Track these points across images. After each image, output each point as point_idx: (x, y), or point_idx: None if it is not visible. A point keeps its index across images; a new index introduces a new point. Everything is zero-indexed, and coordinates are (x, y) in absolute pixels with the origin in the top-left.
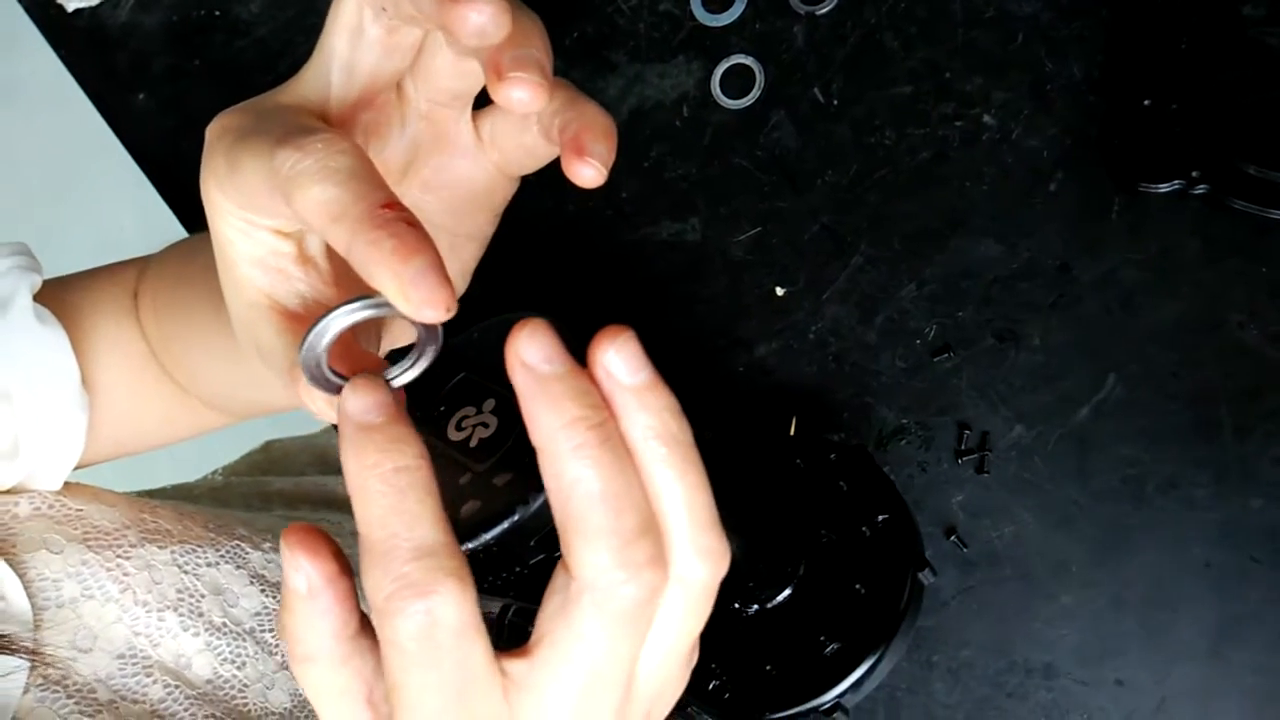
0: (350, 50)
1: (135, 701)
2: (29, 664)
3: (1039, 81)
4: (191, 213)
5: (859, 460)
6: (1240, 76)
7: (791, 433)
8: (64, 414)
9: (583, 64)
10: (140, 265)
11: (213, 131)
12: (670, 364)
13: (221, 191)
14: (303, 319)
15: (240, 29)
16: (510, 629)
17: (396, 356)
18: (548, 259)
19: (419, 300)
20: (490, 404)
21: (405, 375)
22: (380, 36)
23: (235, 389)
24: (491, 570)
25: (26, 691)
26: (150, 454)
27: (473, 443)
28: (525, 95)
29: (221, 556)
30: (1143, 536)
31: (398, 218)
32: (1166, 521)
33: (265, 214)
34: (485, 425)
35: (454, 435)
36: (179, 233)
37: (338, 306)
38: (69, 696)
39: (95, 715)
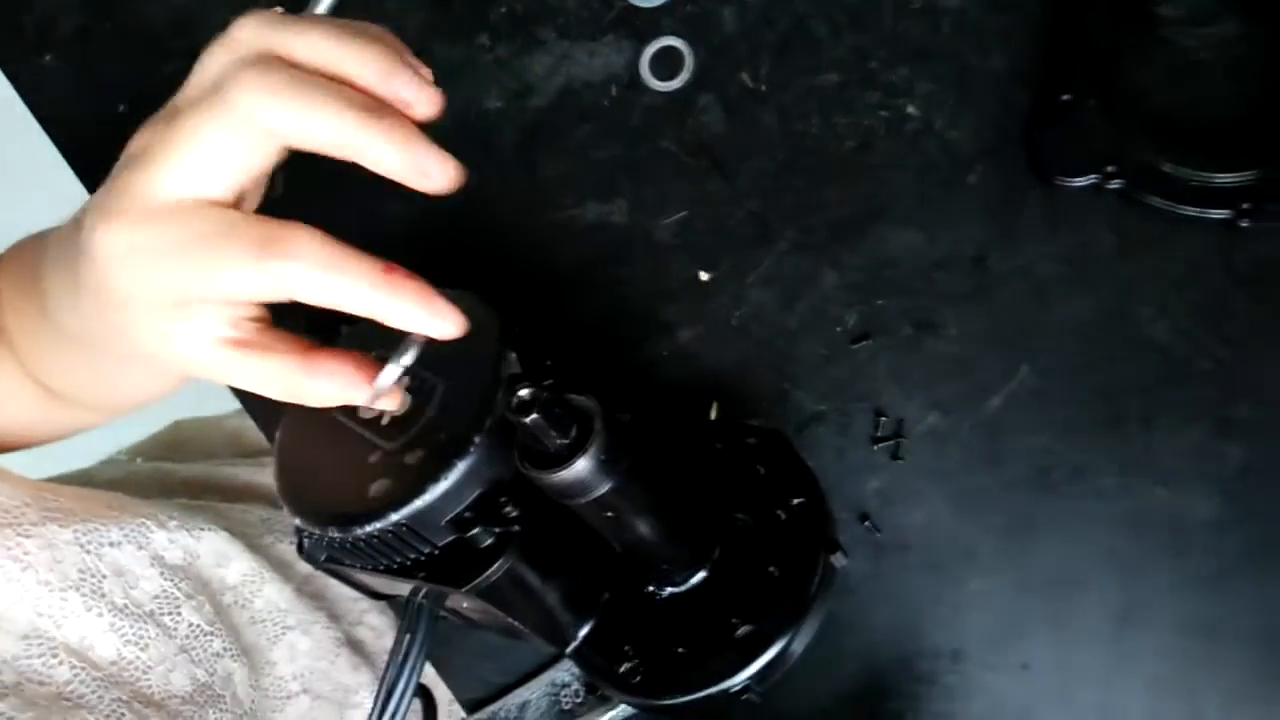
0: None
1: (41, 684)
2: None
3: (963, 74)
4: (97, 179)
5: (776, 445)
6: (1156, 76)
7: (712, 417)
8: None
9: (510, 40)
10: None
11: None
12: (592, 347)
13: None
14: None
15: None
16: (420, 611)
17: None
18: (468, 238)
19: (449, 330)
20: (404, 381)
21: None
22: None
23: (96, 384)
24: (401, 551)
25: None
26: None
27: (384, 420)
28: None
29: (125, 536)
30: (1050, 524)
31: (400, 277)
32: (1073, 510)
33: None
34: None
35: (365, 413)
36: (83, 194)
37: (395, 357)
38: None
39: (1, 698)
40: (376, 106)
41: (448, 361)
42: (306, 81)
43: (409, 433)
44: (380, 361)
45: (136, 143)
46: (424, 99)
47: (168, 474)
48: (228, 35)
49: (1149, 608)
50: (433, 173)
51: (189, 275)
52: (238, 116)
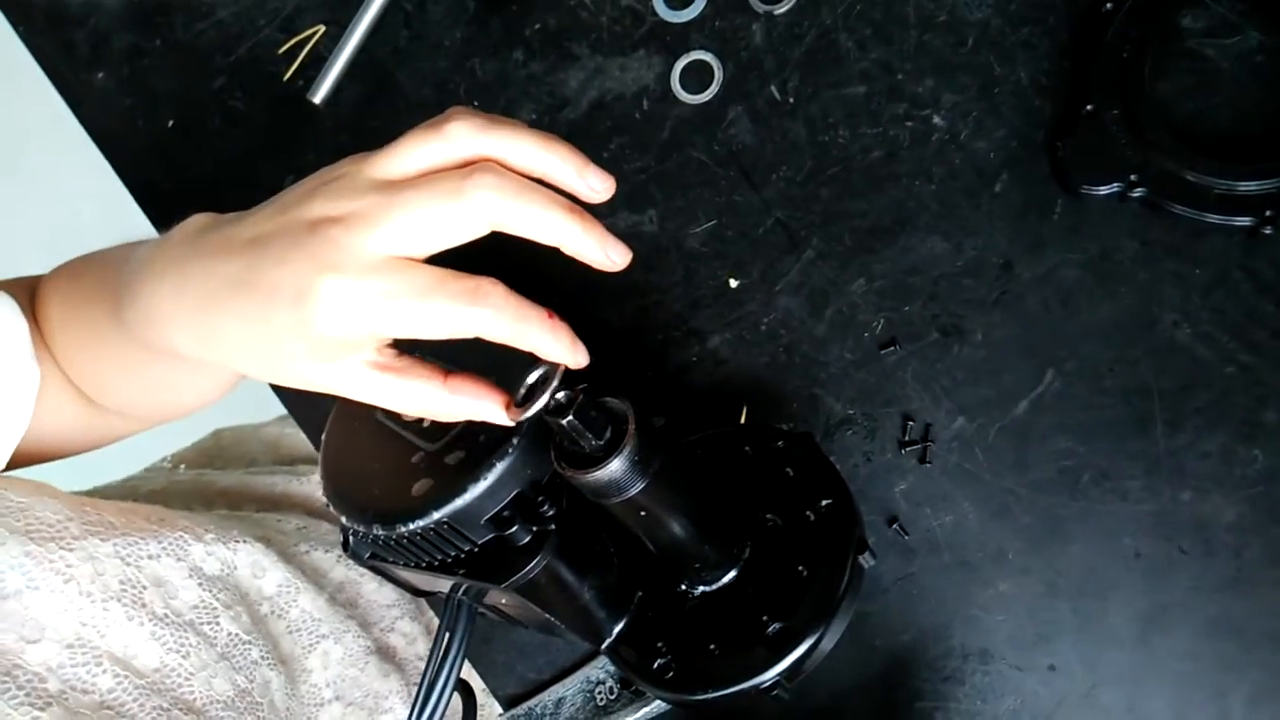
0: None
1: (85, 692)
2: None
3: (988, 85)
4: (146, 192)
5: (805, 447)
6: (1179, 85)
7: (742, 421)
8: (12, 380)
9: (544, 55)
10: (30, 283)
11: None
12: (625, 352)
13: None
14: None
15: (201, 11)
16: (461, 607)
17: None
18: (507, 246)
19: (583, 361)
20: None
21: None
22: None
23: (147, 394)
24: (442, 548)
25: None
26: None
27: (426, 422)
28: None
29: (163, 549)
30: (1076, 526)
31: (556, 321)
32: (1099, 512)
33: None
34: None
35: (407, 415)
36: (135, 214)
37: (542, 388)
38: (19, 687)
39: (45, 708)
40: (577, 208)
41: (487, 366)
42: (531, 188)
43: (449, 434)
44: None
45: (332, 205)
46: (607, 187)
47: (208, 483)
48: (443, 126)
49: (1176, 610)
50: (616, 258)
51: (399, 320)
52: (472, 206)
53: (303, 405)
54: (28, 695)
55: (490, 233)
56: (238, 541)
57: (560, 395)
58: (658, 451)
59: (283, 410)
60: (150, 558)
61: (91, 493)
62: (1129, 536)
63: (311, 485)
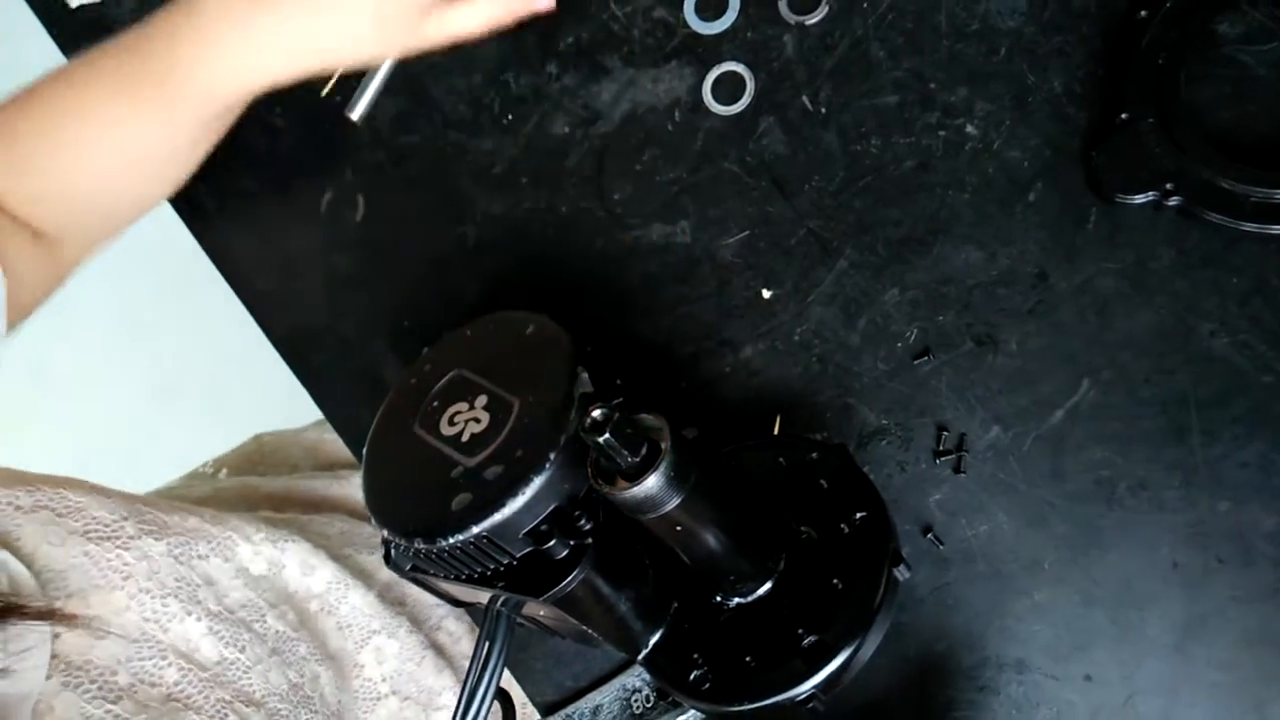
0: None
1: (152, 685)
2: (50, 648)
3: (1021, 94)
4: (189, 207)
5: (839, 459)
6: (1215, 93)
7: (775, 432)
8: None
9: (577, 68)
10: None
11: None
12: (659, 363)
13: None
14: None
15: None
16: (500, 618)
17: None
18: (541, 259)
19: None
20: (482, 400)
21: None
22: None
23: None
24: (482, 561)
25: (50, 676)
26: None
27: (464, 437)
28: None
29: (212, 549)
30: (1113, 536)
31: None
32: (1136, 522)
33: None
34: (477, 420)
35: (446, 430)
36: (179, 225)
37: None
38: (91, 681)
39: (117, 700)
40: None
41: (523, 380)
42: None
43: (488, 449)
44: None
45: None
46: None
47: (252, 489)
48: None
49: (1214, 619)
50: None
51: None
52: None
53: (340, 411)
54: (100, 689)
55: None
56: (286, 540)
57: (596, 413)
58: (693, 466)
59: (319, 415)
60: (200, 557)
61: (141, 495)
62: (1166, 546)
63: (352, 487)
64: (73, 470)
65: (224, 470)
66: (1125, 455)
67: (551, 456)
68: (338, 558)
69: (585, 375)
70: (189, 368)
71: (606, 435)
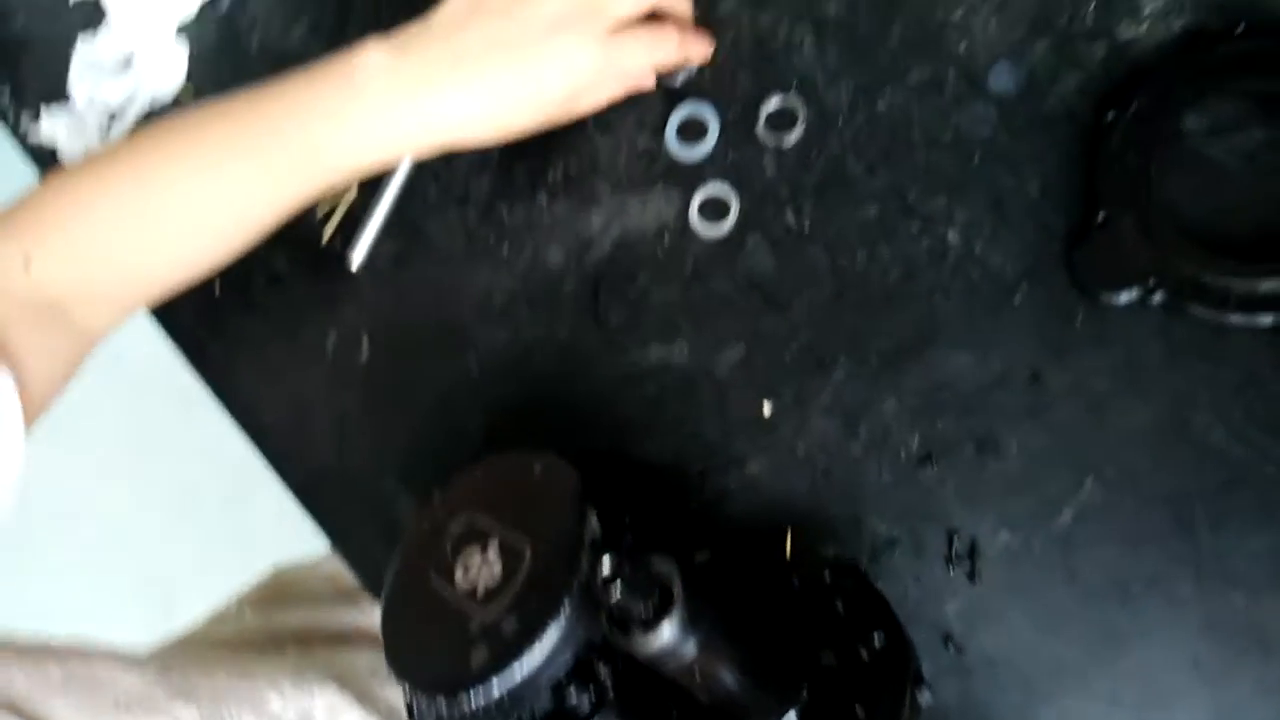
0: None
1: None
2: None
3: (998, 199)
4: (197, 353)
5: (852, 578)
6: (1188, 187)
7: (787, 548)
8: None
9: (567, 197)
10: (22, 237)
11: None
12: (665, 485)
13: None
14: None
15: None
16: None
17: None
18: (544, 386)
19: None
20: (495, 546)
21: None
22: None
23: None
24: (507, 718)
25: None
26: (172, 586)
27: (479, 588)
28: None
29: (243, 707)
30: (1132, 635)
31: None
32: (1153, 620)
33: None
34: (491, 569)
35: (461, 580)
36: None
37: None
38: None
39: None
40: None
41: (534, 523)
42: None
43: (504, 600)
44: None
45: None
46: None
47: (277, 626)
48: None
49: (1242, 714)
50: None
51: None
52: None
53: (356, 550)
54: None
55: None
56: (314, 686)
57: (605, 566)
58: (707, 609)
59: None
60: (231, 717)
61: (168, 648)
62: (1186, 643)
63: (376, 617)
64: (91, 602)
65: (247, 609)
66: (1135, 552)
67: (565, 604)
68: (365, 697)
69: (595, 517)
70: (201, 492)
71: (617, 586)
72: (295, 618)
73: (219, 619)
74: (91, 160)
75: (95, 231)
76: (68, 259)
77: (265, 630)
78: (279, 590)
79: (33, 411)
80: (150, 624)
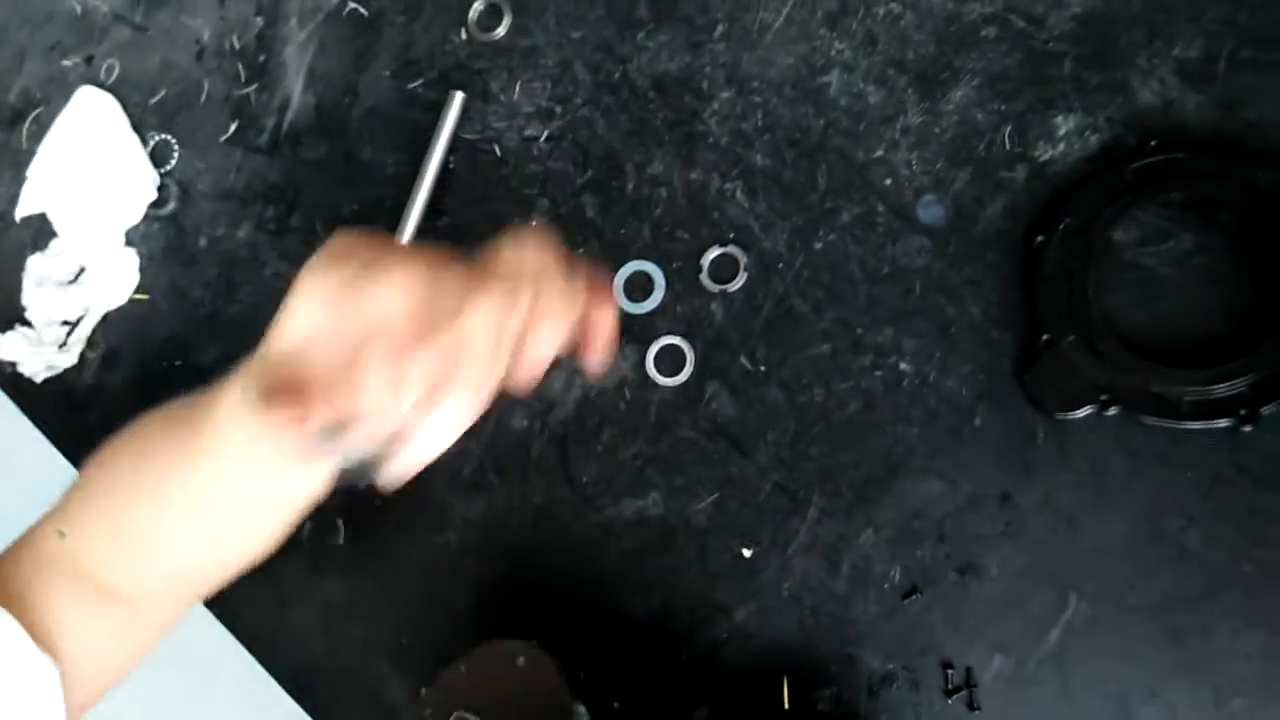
0: None
1: None
2: None
3: (944, 326)
4: None
5: None
6: (1126, 299)
7: (784, 698)
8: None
9: None
10: (54, 519)
11: None
12: (655, 640)
13: None
14: None
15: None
16: None
17: None
18: (521, 553)
19: None
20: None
21: None
22: None
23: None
24: None
25: None
26: None
27: None
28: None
29: None
30: None
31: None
32: None
33: None
34: None
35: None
36: None
37: None
38: None
39: None
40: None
41: (522, 717)
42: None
43: None
44: None
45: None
46: None
47: None
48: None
49: None
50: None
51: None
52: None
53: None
54: None
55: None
56: None
57: None
58: None
59: None
60: None
61: None
62: None
63: None
64: None
65: None
66: (1128, 664)
67: None
68: None
69: (582, 710)
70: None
71: None
72: None
73: None
74: (112, 446)
75: (119, 511)
76: (98, 534)
77: None
78: None
79: (83, 697)
80: None
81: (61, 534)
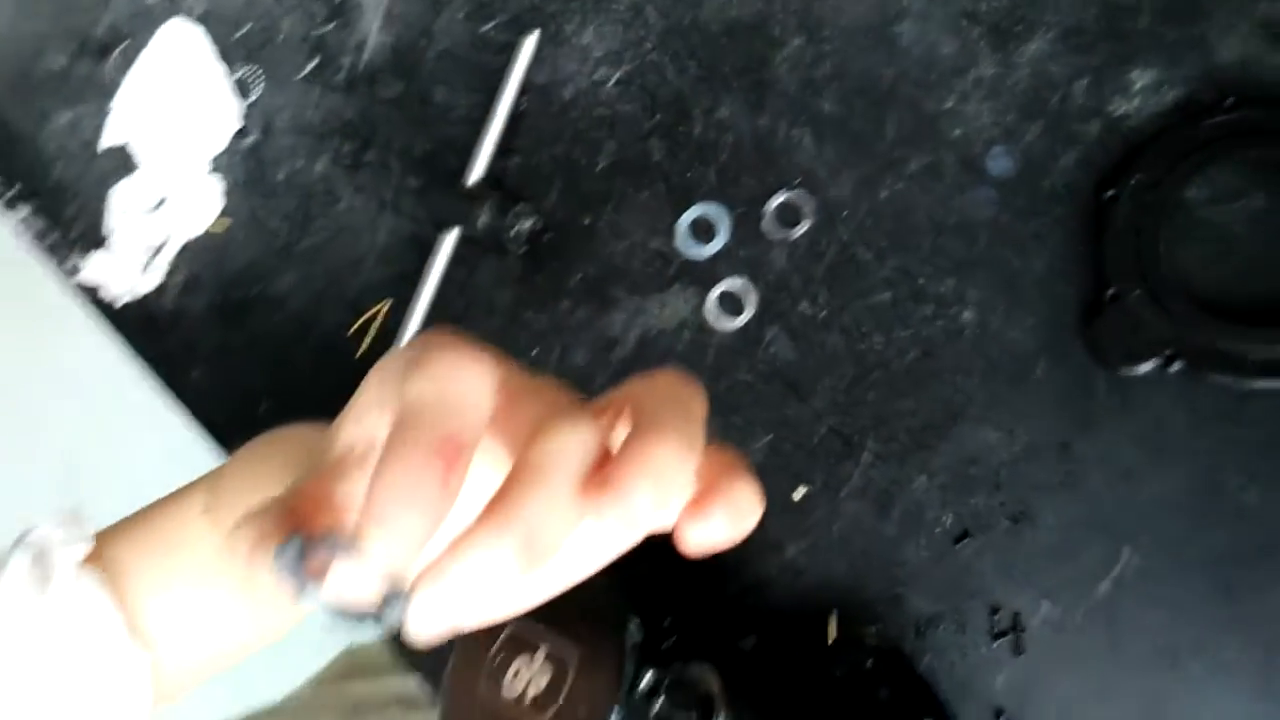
0: None
1: None
2: None
3: (1008, 278)
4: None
5: (896, 665)
6: (1196, 256)
7: (831, 631)
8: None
9: (588, 302)
10: (204, 487)
11: None
12: (705, 574)
13: None
14: None
15: (277, 304)
16: None
17: None
18: None
19: None
20: (541, 654)
21: None
22: None
23: None
24: None
25: None
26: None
27: (527, 698)
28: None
29: None
30: (1182, 703)
31: None
32: (1203, 686)
33: None
34: (538, 679)
35: (509, 689)
36: None
37: None
38: None
39: None
40: None
41: (578, 628)
42: None
43: (554, 706)
44: None
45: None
46: None
47: (348, 693)
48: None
49: None
50: None
51: None
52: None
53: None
54: None
55: None
56: None
57: (646, 681)
58: (749, 712)
59: None
60: None
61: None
62: (1238, 708)
63: None
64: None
65: (319, 685)
66: (1179, 619)
67: (615, 710)
68: None
69: (636, 622)
70: None
71: (660, 701)
72: (369, 686)
73: (291, 697)
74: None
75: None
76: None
77: (337, 698)
78: (352, 665)
79: (173, 685)
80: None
81: (206, 509)
